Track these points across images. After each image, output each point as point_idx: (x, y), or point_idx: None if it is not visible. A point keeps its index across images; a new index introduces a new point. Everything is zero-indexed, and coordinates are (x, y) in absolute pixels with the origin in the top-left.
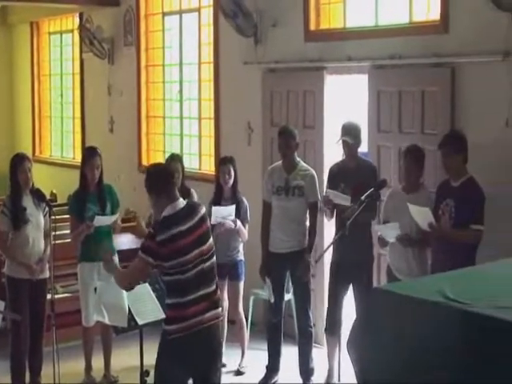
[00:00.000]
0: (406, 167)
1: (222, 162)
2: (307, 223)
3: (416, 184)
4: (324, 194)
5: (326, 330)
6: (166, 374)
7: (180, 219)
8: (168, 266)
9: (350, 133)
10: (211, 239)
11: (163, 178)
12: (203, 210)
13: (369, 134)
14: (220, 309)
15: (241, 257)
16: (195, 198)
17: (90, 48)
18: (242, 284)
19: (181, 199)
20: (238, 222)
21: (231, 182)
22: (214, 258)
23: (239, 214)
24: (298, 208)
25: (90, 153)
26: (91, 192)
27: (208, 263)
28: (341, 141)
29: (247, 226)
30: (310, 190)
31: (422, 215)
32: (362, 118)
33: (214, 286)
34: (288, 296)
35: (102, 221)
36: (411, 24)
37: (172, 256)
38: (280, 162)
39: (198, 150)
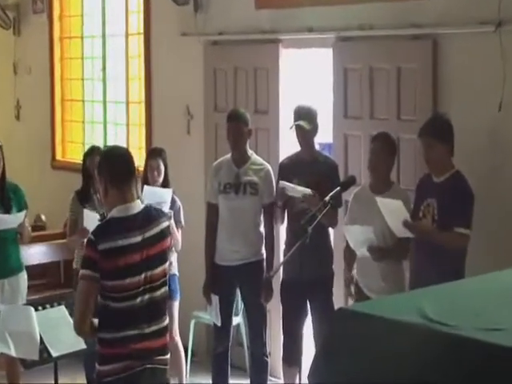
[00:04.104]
0: (372, 160)
1: (150, 155)
2: (262, 229)
3: (386, 181)
4: (278, 186)
5: (283, 359)
6: None
7: (131, 227)
8: (109, 288)
9: (305, 117)
10: (167, 263)
11: (121, 164)
12: (166, 223)
13: (334, 121)
14: (168, 355)
15: (174, 270)
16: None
17: None
18: (176, 303)
19: (138, 201)
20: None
21: (160, 179)
22: (167, 287)
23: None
24: (251, 209)
25: None
26: None
27: (158, 292)
28: (294, 127)
29: (181, 232)
30: (266, 189)
31: (394, 213)
32: (325, 102)
33: (164, 323)
34: (236, 319)
35: (4, 221)
36: None
37: (111, 274)
38: (228, 155)
39: (126, 140)
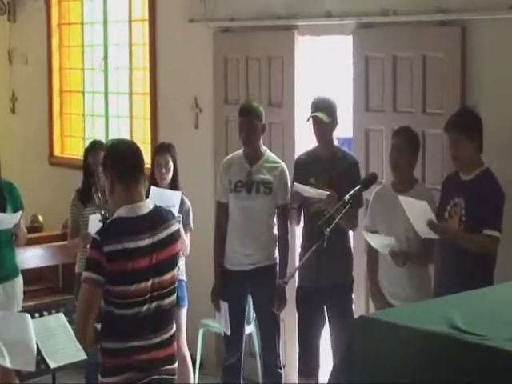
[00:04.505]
0: (393, 156)
1: (157, 151)
2: (275, 231)
3: (409, 179)
4: (292, 188)
5: (299, 371)
6: None
7: (139, 229)
8: (113, 293)
9: (324, 109)
10: (176, 269)
11: (130, 159)
12: (175, 226)
13: (354, 115)
14: (176, 364)
15: (181, 276)
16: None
17: None
18: (184, 311)
19: (147, 202)
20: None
21: (169, 177)
22: (175, 295)
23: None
24: (264, 210)
25: None
26: None
27: (167, 301)
28: (311, 120)
29: (189, 235)
30: (280, 189)
31: (418, 213)
32: (344, 93)
33: (171, 332)
34: (249, 328)
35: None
36: None
37: (117, 279)
38: (240, 150)
39: (129, 135)
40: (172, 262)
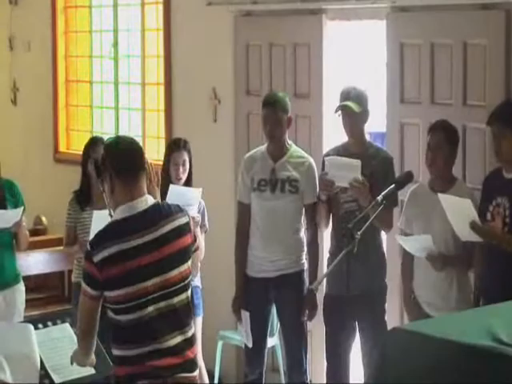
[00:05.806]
0: (429, 153)
1: (173, 147)
2: (302, 234)
3: (447, 178)
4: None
5: None
6: None
7: (136, 227)
8: (113, 299)
9: (355, 99)
10: (187, 263)
11: (129, 157)
12: (183, 219)
13: (388, 107)
14: (196, 372)
15: (196, 282)
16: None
17: None
18: (200, 320)
19: (147, 197)
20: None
21: (185, 176)
22: (189, 291)
23: None
24: (290, 210)
25: None
26: None
27: (176, 299)
28: (340, 112)
29: (204, 236)
30: (308, 186)
31: (459, 212)
32: (377, 83)
33: (186, 335)
34: (272, 341)
35: None
36: None
37: (115, 283)
38: (263, 146)
39: (142, 129)
40: (180, 257)
